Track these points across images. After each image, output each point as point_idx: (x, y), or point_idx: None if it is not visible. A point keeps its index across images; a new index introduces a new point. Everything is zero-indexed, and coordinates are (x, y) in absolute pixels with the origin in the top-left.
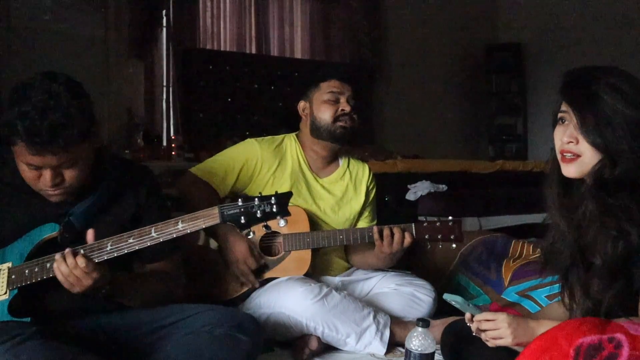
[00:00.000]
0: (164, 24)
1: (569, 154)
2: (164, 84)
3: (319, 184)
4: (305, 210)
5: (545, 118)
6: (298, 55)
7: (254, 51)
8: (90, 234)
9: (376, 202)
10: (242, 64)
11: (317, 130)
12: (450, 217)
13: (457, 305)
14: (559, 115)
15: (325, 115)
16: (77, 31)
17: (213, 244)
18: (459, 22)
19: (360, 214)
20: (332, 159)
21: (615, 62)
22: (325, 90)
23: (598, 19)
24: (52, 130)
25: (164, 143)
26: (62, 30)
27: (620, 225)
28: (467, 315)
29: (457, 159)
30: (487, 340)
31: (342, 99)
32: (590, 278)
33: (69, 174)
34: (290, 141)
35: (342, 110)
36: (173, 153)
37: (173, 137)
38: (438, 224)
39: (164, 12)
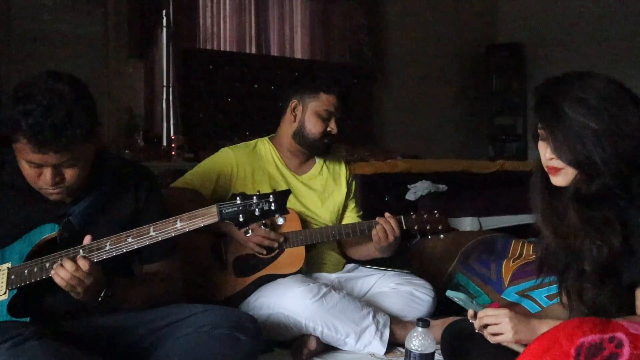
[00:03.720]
0: (164, 24)
1: (553, 169)
2: (164, 84)
3: (299, 182)
4: (294, 209)
5: None
6: (298, 55)
7: (254, 51)
8: (87, 239)
9: (359, 195)
10: (242, 64)
11: (301, 139)
12: (435, 211)
13: (461, 303)
14: (538, 131)
15: (314, 129)
16: (77, 31)
17: None
18: (459, 22)
19: (346, 206)
20: (308, 157)
21: (615, 62)
22: (323, 104)
23: (598, 18)
24: (56, 128)
25: (164, 143)
26: (62, 30)
27: (602, 235)
28: (470, 312)
29: (457, 159)
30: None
31: (333, 120)
32: (583, 283)
33: (69, 174)
34: (263, 144)
35: (330, 130)
36: (173, 153)
37: (173, 137)
38: (425, 216)
39: (164, 12)
